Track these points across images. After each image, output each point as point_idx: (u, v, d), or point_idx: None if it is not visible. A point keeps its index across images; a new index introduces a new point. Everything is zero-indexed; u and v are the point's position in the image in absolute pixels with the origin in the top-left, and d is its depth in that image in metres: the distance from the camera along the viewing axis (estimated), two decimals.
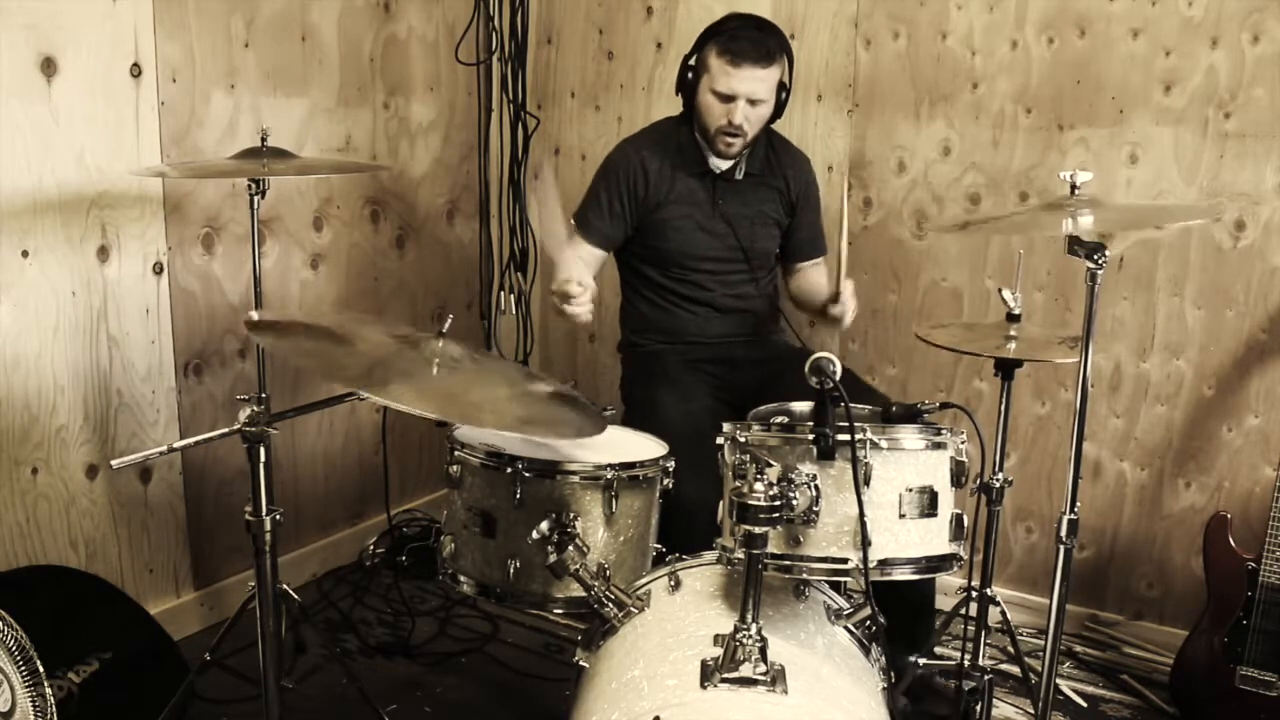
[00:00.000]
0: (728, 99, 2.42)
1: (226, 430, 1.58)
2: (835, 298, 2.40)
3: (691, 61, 2.51)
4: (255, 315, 1.76)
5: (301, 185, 2.87)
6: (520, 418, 1.69)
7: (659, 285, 2.63)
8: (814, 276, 2.72)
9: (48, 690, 1.70)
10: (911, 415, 1.76)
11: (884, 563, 1.62)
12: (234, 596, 2.66)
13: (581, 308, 2.24)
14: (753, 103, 2.43)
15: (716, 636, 1.57)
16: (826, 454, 1.59)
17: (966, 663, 2.21)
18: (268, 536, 1.67)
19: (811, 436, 1.60)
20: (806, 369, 1.60)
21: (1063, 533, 1.73)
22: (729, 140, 2.47)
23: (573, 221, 2.60)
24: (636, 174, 2.55)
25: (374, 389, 1.51)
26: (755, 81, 2.42)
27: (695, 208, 2.57)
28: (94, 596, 2.31)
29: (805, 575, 1.65)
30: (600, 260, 2.60)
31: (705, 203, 2.57)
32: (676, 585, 1.76)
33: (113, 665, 2.19)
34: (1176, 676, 2.46)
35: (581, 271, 2.29)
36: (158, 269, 2.53)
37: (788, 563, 1.62)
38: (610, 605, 1.74)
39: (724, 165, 2.56)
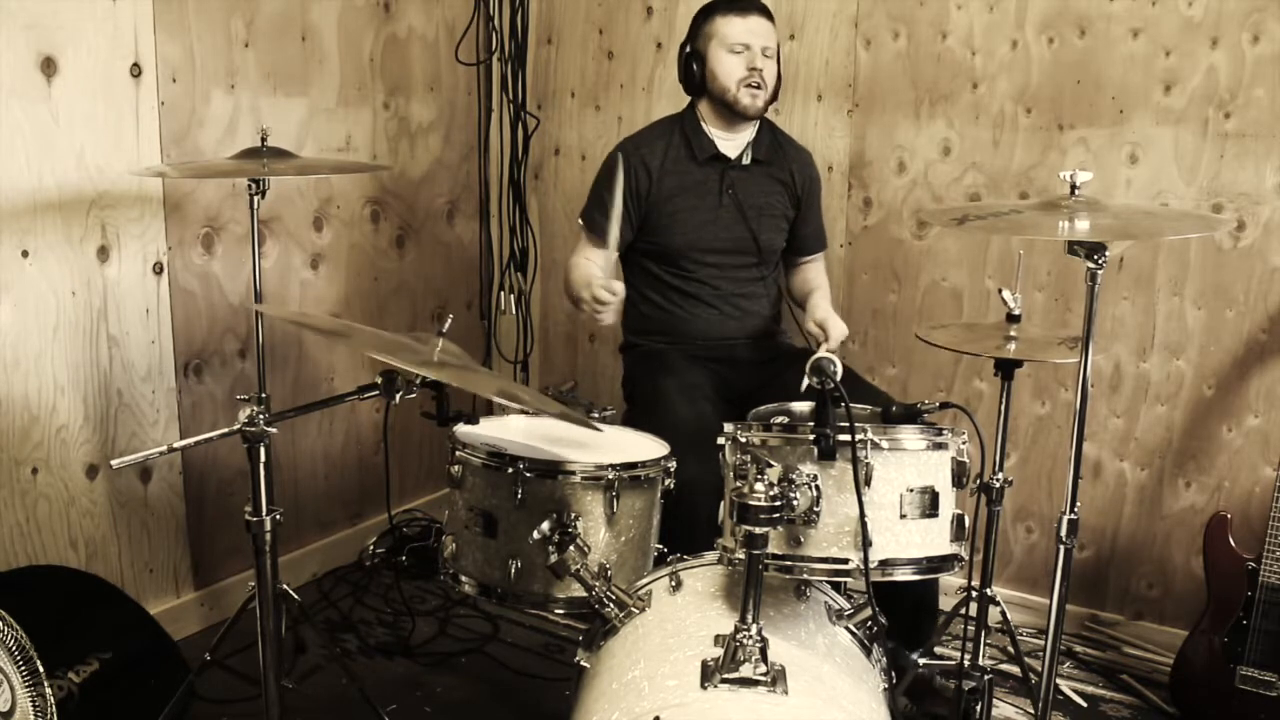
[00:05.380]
0: (744, 48, 2.49)
1: (226, 430, 1.59)
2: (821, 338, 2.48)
3: (694, 44, 2.56)
4: (257, 305, 1.76)
5: (301, 185, 2.87)
6: (529, 400, 1.70)
7: (664, 284, 2.63)
8: (813, 273, 2.76)
9: (48, 690, 1.70)
10: (912, 415, 1.76)
11: (885, 563, 1.62)
12: (234, 596, 2.66)
13: (608, 315, 2.36)
14: (765, 53, 2.50)
15: (717, 637, 1.57)
16: (827, 454, 1.59)
17: (966, 663, 2.21)
18: (268, 536, 1.67)
19: (812, 437, 1.60)
20: (807, 369, 1.60)
21: (1063, 533, 1.73)
22: (754, 91, 2.51)
23: (580, 221, 2.61)
24: (638, 171, 2.56)
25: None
26: (765, 29, 2.51)
27: (702, 198, 2.58)
28: (94, 596, 2.31)
29: (806, 575, 1.66)
30: (613, 261, 2.61)
31: (713, 192, 2.58)
32: (677, 585, 1.76)
33: (113, 665, 2.19)
34: (1176, 676, 2.46)
35: (608, 279, 2.39)
36: (158, 269, 2.53)
37: (789, 563, 1.62)
38: (611, 605, 1.74)
39: (734, 150, 2.59)
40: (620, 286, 2.35)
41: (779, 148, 2.66)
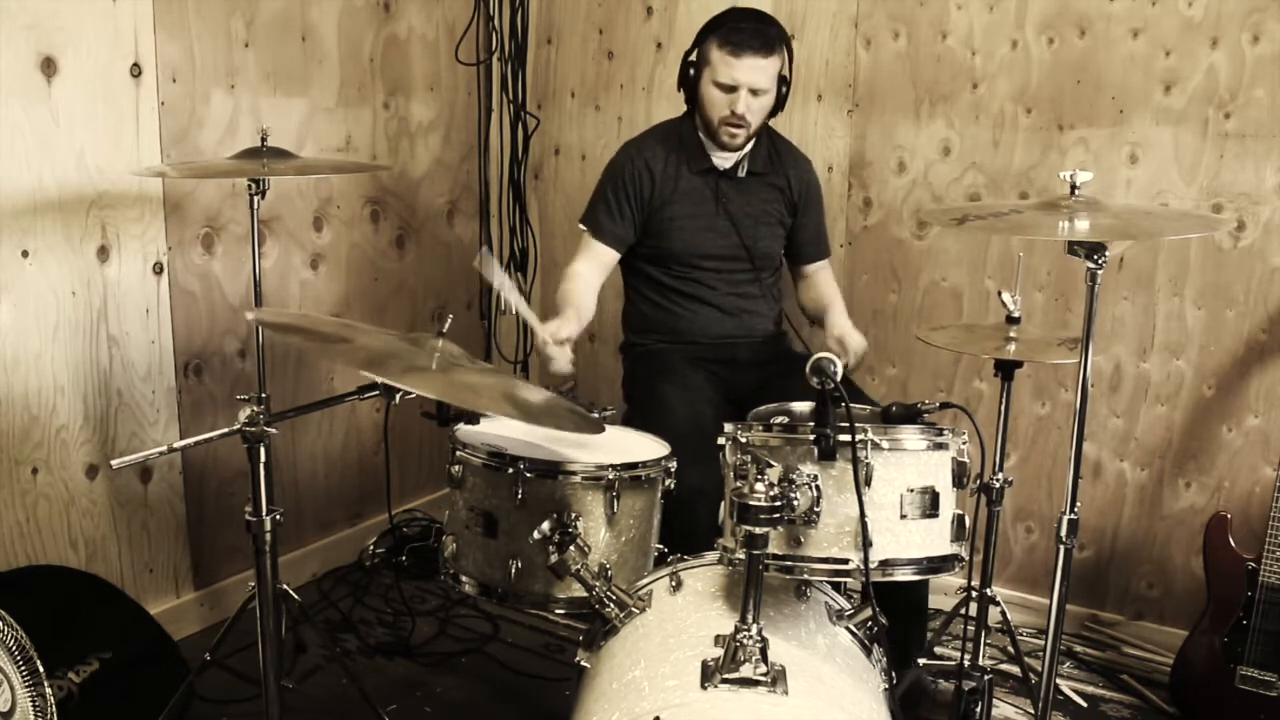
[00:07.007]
0: (730, 89, 2.45)
1: (226, 430, 1.58)
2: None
3: (692, 57, 2.54)
4: (251, 315, 1.77)
5: (301, 185, 2.87)
6: (520, 405, 1.69)
7: (662, 285, 2.63)
8: (823, 284, 2.73)
9: (48, 690, 1.70)
10: (912, 415, 1.76)
11: (885, 563, 1.62)
12: (234, 596, 2.66)
13: (562, 361, 2.35)
14: (754, 93, 2.46)
15: (717, 637, 1.57)
16: (828, 454, 1.59)
17: (966, 663, 2.21)
18: (268, 536, 1.67)
19: (812, 437, 1.60)
20: (807, 369, 1.60)
21: (1063, 533, 1.73)
22: (733, 131, 2.49)
23: (581, 225, 2.62)
24: (641, 174, 2.56)
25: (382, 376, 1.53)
26: (757, 71, 2.44)
27: (699, 206, 2.58)
28: (94, 596, 2.31)
29: (806, 576, 1.66)
30: (615, 261, 2.61)
31: (709, 201, 2.58)
32: (678, 585, 1.76)
33: (113, 665, 2.18)
34: (1176, 676, 2.46)
35: (558, 327, 2.36)
36: (158, 269, 2.53)
37: (789, 563, 1.62)
38: (611, 605, 1.74)
39: (727, 163, 2.57)
40: (566, 333, 2.34)
41: (776, 155, 2.65)
